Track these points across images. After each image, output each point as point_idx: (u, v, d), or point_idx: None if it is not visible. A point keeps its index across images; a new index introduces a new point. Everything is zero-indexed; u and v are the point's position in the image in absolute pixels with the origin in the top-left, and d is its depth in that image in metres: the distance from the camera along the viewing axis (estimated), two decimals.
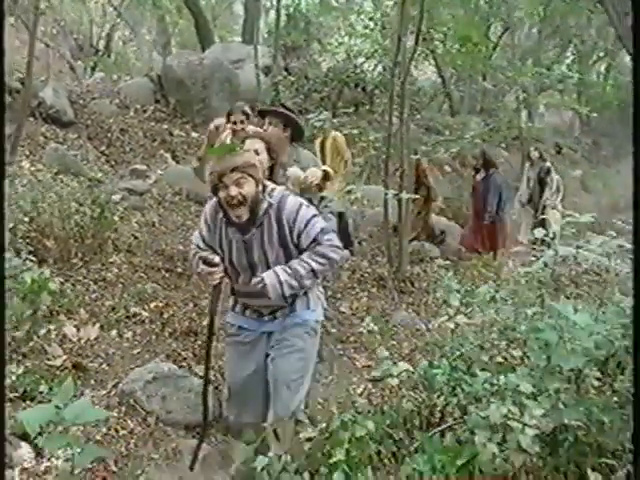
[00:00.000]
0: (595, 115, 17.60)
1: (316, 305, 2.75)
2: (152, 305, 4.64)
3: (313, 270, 2.51)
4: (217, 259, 2.53)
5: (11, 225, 4.37)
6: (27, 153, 8.05)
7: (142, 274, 5.30)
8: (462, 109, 15.42)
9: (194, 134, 10.24)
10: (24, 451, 2.72)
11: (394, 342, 4.35)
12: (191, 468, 2.68)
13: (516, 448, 1.97)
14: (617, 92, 12.60)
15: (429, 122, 12.95)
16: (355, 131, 6.88)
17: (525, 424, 1.94)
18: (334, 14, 14.82)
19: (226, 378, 2.92)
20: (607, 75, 18.61)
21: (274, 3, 12.57)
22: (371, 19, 10.82)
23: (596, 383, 2.23)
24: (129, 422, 3.11)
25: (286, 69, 12.22)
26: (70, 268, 4.86)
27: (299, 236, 2.52)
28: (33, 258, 4.36)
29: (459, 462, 2.03)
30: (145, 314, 4.49)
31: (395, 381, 2.61)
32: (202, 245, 2.68)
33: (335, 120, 6.48)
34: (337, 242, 2.57)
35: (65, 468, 2.45)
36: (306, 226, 2.51)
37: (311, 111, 10.28)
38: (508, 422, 2.00)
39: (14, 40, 15.28)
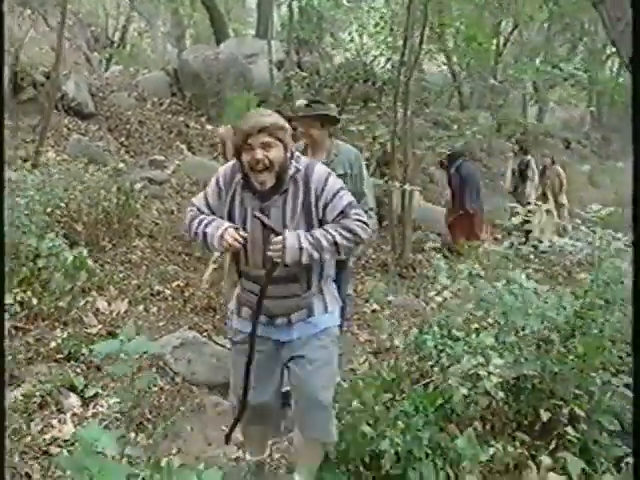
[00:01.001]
0: (605, 111, 17.85)
1: (333, 305, 2.48)
2: (174, 284, 5.16)
3: (336, 243, 2.26)
4: (244, 237, 2.26)
5: (49, 210, 4.88)
6: (52, 144, 8.57)
7: (164, 257, 5.82)
8: (471, 104, 15.80)
9: (209, 126, 10.74)
10: (73, 400, 3.23)
11: (394, 320, 4.83)
12: (226, 441, 2.61)
13: (482, 392, 2.45)
14: (622, 90, 12.93)
15: (437, 116, 13.34)
16: (362, 127, 7.32)
17: (490, 372, 2.41)
18: (345, 9, 15.21)
19: (233, 392, 2.58)
20: (619, 71, 18.88)
21: None
22: (381, 18, 11.23)
23: (562, 349, 2.70)
24: (159, 381, 3.62)
25: (299, 64, 12.66)
26: (99, 250, 5.38)
27: (325, 207, 2.30)
28: (66, 241, 4.88)
29: (437, 403, 2.51)
30: (168, 292, 5.00)
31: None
32: (205, 210, 2.42)
33: (344, 116, 6.89)
34: (365, 219, 2.34)
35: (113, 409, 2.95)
36: (334, 197, 2.30)
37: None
38: (478, 372, 2.48)
39: (30, 31, 15.83)
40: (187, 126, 10.64)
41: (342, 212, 2.29)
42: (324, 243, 2.24)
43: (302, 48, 14.13)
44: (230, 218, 2.35)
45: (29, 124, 8.87)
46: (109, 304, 4.52)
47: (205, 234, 2.32)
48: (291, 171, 2.30)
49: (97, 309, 4.40)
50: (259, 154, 2.22)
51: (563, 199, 8.18)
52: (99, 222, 5.63)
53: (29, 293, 3.96)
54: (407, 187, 5.44)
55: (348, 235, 2.27)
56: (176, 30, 19.53)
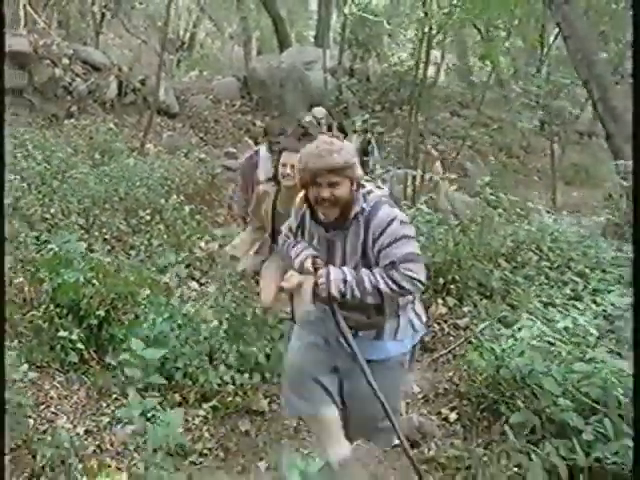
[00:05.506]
0: None
1: (405, 334, 2.62)
2: None
3: (379, 289, 2.39)
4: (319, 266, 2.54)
5: (169, 182, 7.81)
6: (149, 138, 11.66)
7: (239, 222, 8.69)
8: (514, 103, 18.00)
9: None
10: (194, 283, 6.08)
11: None
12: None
13: None
14: None
15: (478, 116, 15.70)
16: (382, 129, 9.89)
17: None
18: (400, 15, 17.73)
19: (288, 370, 2.89)
20: None
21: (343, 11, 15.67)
22: (417, 29, 13.71)
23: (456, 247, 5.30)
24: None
25: (351, 69, 15.37)
26: (197, 213, 8.28)
27: (379, 253, 2.43)
28: None
29: None
30: None
31: None
32: (290, 235, 2.75)
33: (370, 121, 9.36)
34: (417, 274, 2.41)
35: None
36: (389, 245, 2.40)
37: (369, 106, 13.48)
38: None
39: (110, 34, 19.29)
40: (254, 124, 13.60)
41: (392, 263, 2.40)
42: (367, 284, 2.41)
43: (357, 51, 16.77)
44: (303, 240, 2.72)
45: (131, 122, 12.03)
46: (206, 244, 7.40)
47: (290, 256, 2.70)
48: (356, 208, 2.46)
49: (200, 246, 7.28)
50: (326, 192, 2.40)
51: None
52: (195, 194, 8.58)
53: (162, 231, 6.86)
54: (413, 172, 8.02)
55: (393, 286, 2.39)
56: (243, 34, 22.61)
